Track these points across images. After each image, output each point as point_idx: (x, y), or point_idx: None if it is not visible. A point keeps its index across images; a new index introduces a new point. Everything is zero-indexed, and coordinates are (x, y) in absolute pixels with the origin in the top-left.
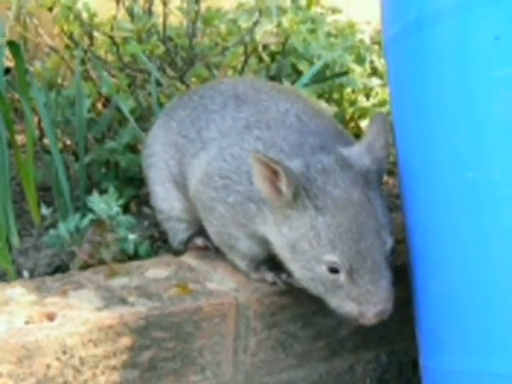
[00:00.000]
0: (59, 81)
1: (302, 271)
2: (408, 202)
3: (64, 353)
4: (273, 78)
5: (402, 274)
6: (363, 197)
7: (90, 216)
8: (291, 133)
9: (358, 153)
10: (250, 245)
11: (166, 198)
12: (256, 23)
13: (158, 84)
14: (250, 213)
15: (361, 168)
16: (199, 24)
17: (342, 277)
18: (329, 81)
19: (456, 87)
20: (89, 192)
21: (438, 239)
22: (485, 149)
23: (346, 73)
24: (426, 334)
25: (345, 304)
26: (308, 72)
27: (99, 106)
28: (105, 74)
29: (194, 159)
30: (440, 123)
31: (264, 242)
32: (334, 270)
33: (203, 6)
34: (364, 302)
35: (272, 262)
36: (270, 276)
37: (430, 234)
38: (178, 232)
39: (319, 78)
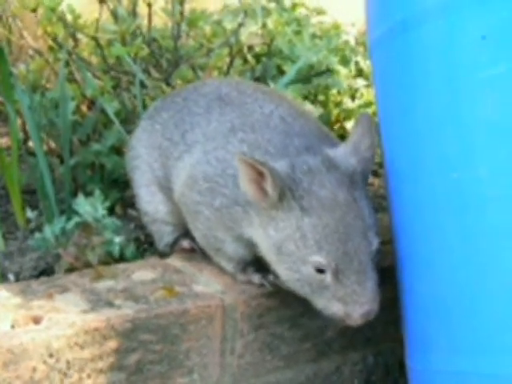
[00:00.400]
0: (43, 83)
1: (288, 272)
2: (394, 202)
3: (50, 356)
4: (258, 80)
5: (388, 274)
6: (349, 197)
7: (75, 219)
8: (276, 134)
9: (343, 153)
10: (236, 247)
11: (150, 201)
12: (241, 24)
13: (143, 86)
14: (236, 216)
15: (347, 169)
16: (184, 26)
17: (328, 277)
18: (312, 80)
19: (442, 88)
20: (74, 194)
21: (424, 240)
22: (471, 149)
23: (328, 70)
24: (413, 335)
25: (331, 305)
26: (290, 71)
27: (84, 108)
28: (89, 75)
29: (178, 162)
30: (426, 124)
31: (250, 245)
32: (320, 271)
33: (188, 7)
34: (350, 302)
35: (258, 264)
36: (256, 278)
37: (416, 235)
38: (163, 235)
39: (302, 77)
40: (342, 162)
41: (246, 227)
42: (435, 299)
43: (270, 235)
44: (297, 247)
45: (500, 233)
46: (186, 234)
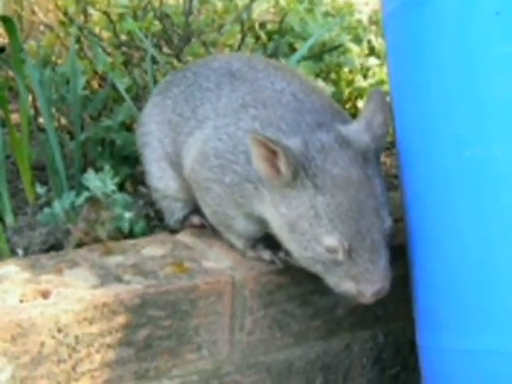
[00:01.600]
0: (54, 58)
1: (301, 250)
2: (406, 180)
3: (59, 331)
4: (270, 57)
5: (399, 252)
6: (362, 175)
7: (85, 194)
8: (288, 111)
9: (356, 130)
10: (246, 224)
11: (161, 177)
12: (253, 0)
13: (154, 62)
14: (247, 193)
15: (360, 146)
16: (196, 1)
17: (340, 255)
18: (324, 58)
19: (456, 64)
20: (84, 170)
21: (436, 218)
22: (484, 127)
23: (339, 46)
24: (424, 313)
25: (343, 282)
26: (302, 48)
27: (95, 83)
28: (100, 51)
29: (188, 138)
30: (439, 100)
31: (261, 222)
32: (332, 250)
33: None
34: (362, 280)
35: (269, 241)
36: (267, 254)
37: (428, 213)
38: (174, 211)
39: (314, 54)
40: (354, 139)
41: (257, 204)
42: (446, 277)
43: (282, 213)
44: (310, 226)
45: None
46: (196, 210)
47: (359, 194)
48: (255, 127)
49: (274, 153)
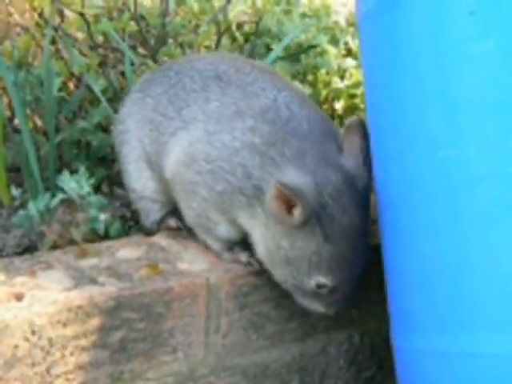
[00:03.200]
0: (30, 60)
1: (286, 277)
2: (380, 181)
3: (33, 333)
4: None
5: (375, 254)
6: (363, 221)
7: (60, 195)
8: (289, 133)
9: (356, 166)
10: (228, 229)
11: (139, 177)
12: (229, 1)
13: (130, 63)
14: (238, 204)
15: (362, 185)
16: (172, 3)
17: (324, 291)
18: (300, 60)
19: (430, 64)
20: (60, 172)
21: (410, 219)
22: (458, 127)
23: (314, 46)
24: (397, 314)
25: (314, 304)
26: (276, 48)
27: (71, 85)
28: (76, 52)
29: (172, 138)
30: (413, 102)
31: (242, 229)
32: (320, 287)
33: None
34: (333, 305)
35: (245, 243)
36: (244, 256)
37: (402, 214)
38: (150, 212)
39: (289, 54)
40: (358, 178)
41: (245, 218)
42: (420, 278)
43: (281, 246)
44: (308, 266)
45: (487, 212)
46: (173, 212)
47: (358, 243)
48: (255, 142)
49: (292, 200)
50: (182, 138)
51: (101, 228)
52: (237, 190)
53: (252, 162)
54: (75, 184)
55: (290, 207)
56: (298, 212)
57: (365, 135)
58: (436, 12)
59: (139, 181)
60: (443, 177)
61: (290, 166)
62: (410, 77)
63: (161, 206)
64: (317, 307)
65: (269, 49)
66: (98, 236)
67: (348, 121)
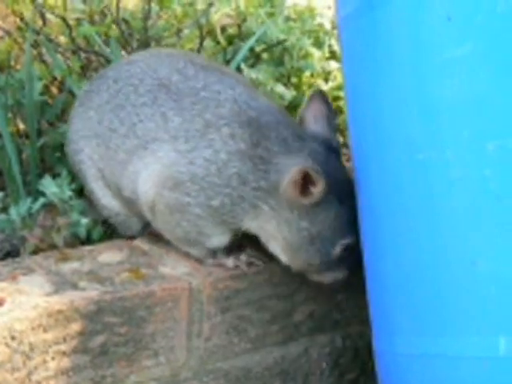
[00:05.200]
0: (12, 64)
1: (314, 257)
2: (360, 183)
3: (13, 338)
4: (229, 62)
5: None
6: (349, 174)
7: (41, 200)
8: (263, 127)
9: (326, 130)
10: (220, 239)
11: (103, 195)
12: (211, 4)
13: None
14: (240, 212)
15: (337, 147)
16: (155, 6)
17: (347, 253)
18: (284, 61)
19: (408, 68)
20: (42, 176)
21: (389, 221)
22: (436, 130)
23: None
24: (378, 317)
25: (337, 274)
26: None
27: (54, 89)
28: (57, 56)
29: (132, 157)
30: (391, 104)
31: (237, 234)
32: (345, 249)
33: None
34: (353, 267)
35: (228, 247)
36: (230, 261)
37: (381, 216)
38: (130, 225)
39: (271, 57)
40: (331, 140)
41: (251, 220)
42: (399, 281)
43: (303, 227)
44: (333, 233)
45: (465, 214)
46: None
47: (354, 193)
48: (241, 148)
49: (308, 180)
50: (148, 160)
51: (82, 232)
52: (238, 200)
53: (245, 168)
54: (57, 188)
55: (305, 189)
56: (318, 190)
57: (327, 102)
58: (414, 16)
59: (105, 198)
60: (421, 179)
61: (279, 156)
62: (388, 80)
63: (137, 217)
64: (338, 275)
65: (252, 51)
66: (79, 240)
67: (310, 93)
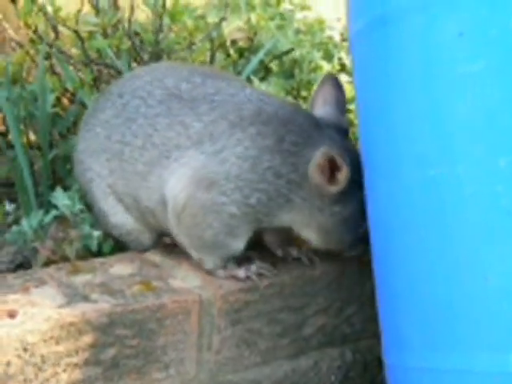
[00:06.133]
0: (24, 75)
1: (347, 237)
2: (371, 198)
3: (25, 350)
4: (240, 74)
5: (367, 270)
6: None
7: (53, 212)
8: (284, 122)
9: (337, 116)
10: (242, 242)
11: (115, 213)
12: (222, 19)
13: None
14: (276, 207)
15: (346, 129)
16: (166, 19)
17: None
18: (294, 74)
19: (420, 84)
20: (54, 188)
21: (400, 236)
22: (448, 146)
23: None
24: (388, 331)
25: (358, 249)
26: (274, 67)
27: (66, 101)
28: (70, 68)
29: (153, 168)
30: (403, 120)
31: (257, 236)
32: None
33: (170, 0)
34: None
35: (237, 258)
36: (241, 272)
37: (392, 231)
38: (142, 242)
39: (282, 69)
40: (342, 125)
41: (285, 214)
42: (411, 296)
43: (336, 212)
44: (360, 214)
45: (477, 230)
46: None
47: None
48: (268, 144)
49: (333, 165)
50: (174, 167)
51: (94, 245)
52: (274, 194)
53: (276, 161)
54: (68, 201)
55: (331, 175)
56: (343, 176)
57: (338, 85)
58: (426, 32)
59: (117, 216)
60: (433, 195)
61: (305, 147)
62: (400, 95)
63: (149, 232)
64: (360, 249)
65: (263, 65)
66: (91, 253)
67: (322, 77)
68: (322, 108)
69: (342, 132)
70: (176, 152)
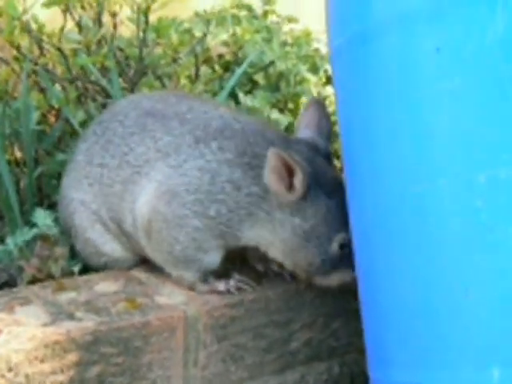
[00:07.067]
0: (10, 92)
1: (313, 255)
2: (354, 213)
3: (9, 370)
4: (225, 87)
5: (352, 285)
6: (340, 177)
7: (34, 231)
8: (248, 136)
9: (315, 138)
10: (216, 257)
11: (104, 241)
12: (206, 33)
13: (108, 96)
14: (237, 219)
15: (325, 151)
16: (152, 34)
17: (346, 250)
18: (280, 87)
19: (399, 99)
20: (40, 204)
21: (384, 252)
22: (428, 161)
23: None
24: (373, 346)
25: (343, 275)
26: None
27: (51, 118)
28: (54, 85)
29: (127, 186)
30: (384, 135)
31: (226, 253)
32: (342, 246)
33: (155, 15)
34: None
35: (217, 271)
36: (221, 285)
37: (376, 247)
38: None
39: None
40: (319, 146)
41: (248, 229)
42: (395, 313)
43: (296, 225)
44: (327, 228)
45: (458, 245)
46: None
47: (344, 193)
48: (228, 158)
49: (289, 170)
50: (143, 183)
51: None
52: (234, 206)
53: (236, 175)
54: (49, 220)
55: (288, 181)
56: (298, 180)
57: (322, 110)
58: (404, 48)
59: (106, 244)
60: (415, 210)
61: (264, 161)
62: (380, 111)
63: (136, 259)
64: (345, 276)
65: (249, 78)
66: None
67: (307, 101)
68: (303, 131)
69: (314, 149)
70: (146, 167)
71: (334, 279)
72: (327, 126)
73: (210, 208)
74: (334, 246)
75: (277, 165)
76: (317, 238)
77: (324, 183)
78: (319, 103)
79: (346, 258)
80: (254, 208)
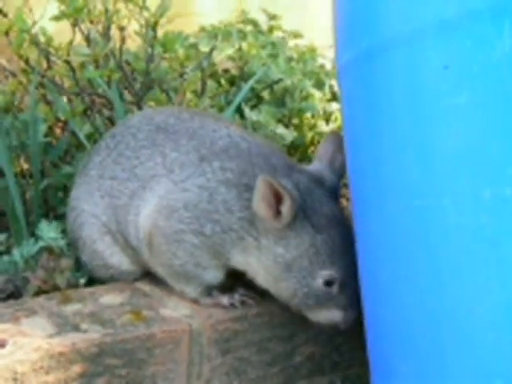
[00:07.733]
0: (17, 105)
1: (294, 288)
2: (359, 227)
3: (15, 380)
4: (231, 103)
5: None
6: (341, 213)
7: (40, 243)
8: (253, 157)
9: (322, 170)
10: (216, 273)
11: (112, 253)
12: (213, 48)
13: (115, 109)
14: (230, 242)
15: (331, 185)
16: (158, 49)
17: (335, 288)
18: (285, 102)
19: (406, 116)
20: (46, 216)
21: (388, 266)
22: (434, 177)
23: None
24: (376, 360)
25: (331, 314)
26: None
27: (58, 130)
28: (61, 98)
29: (133, 200)
30: (390, 151)
31: (228, 270)
32: (329, 283)
33: (162, 30)
34: (349, 309)
35: (222, 285)
36: (225, 300)
37: (380, 261)
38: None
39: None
40: (325, 179)
41: (239, 253)
42: (399, 326)
43: (278, 254)
44: (309, 262)
45: (462, 261)
46: None
47: (343, 231)
48: (228, 177)
49: (277, 196)
50: (147, 197)
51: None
52: (226, 228)
53: (231, 195)
54: (54, 233)
55: (276, 208)
56: (285, 207)
57: (338, 144)
58: (411, 65)
59: (114, 256)
60: (419, 225)
61: None
62: (387, 127)
63: (141, 272)
64: (334, 316)
65: (254, 93)
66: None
67: (327, 133)
68: (315, 162)
69: (317, 182)
70: (152, 182)
71: (321, 317)
72: (340, 161)
73: (206, 226)
74: (318, 282)
75: (265, 192)
76: (298, 270)
77: (314, 216)
78: (336, 137)
79: (335, 297)
80: (244, 232)
